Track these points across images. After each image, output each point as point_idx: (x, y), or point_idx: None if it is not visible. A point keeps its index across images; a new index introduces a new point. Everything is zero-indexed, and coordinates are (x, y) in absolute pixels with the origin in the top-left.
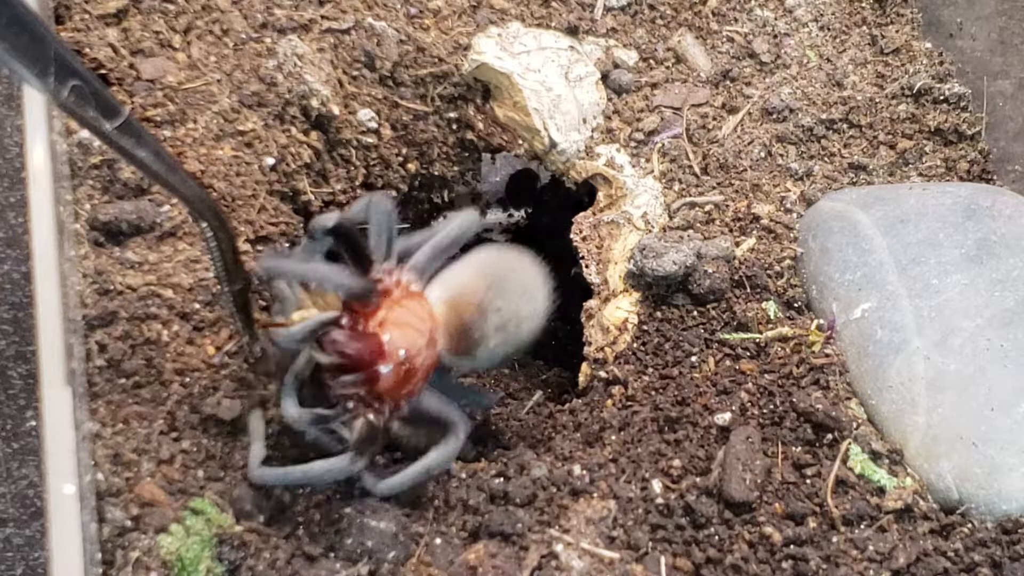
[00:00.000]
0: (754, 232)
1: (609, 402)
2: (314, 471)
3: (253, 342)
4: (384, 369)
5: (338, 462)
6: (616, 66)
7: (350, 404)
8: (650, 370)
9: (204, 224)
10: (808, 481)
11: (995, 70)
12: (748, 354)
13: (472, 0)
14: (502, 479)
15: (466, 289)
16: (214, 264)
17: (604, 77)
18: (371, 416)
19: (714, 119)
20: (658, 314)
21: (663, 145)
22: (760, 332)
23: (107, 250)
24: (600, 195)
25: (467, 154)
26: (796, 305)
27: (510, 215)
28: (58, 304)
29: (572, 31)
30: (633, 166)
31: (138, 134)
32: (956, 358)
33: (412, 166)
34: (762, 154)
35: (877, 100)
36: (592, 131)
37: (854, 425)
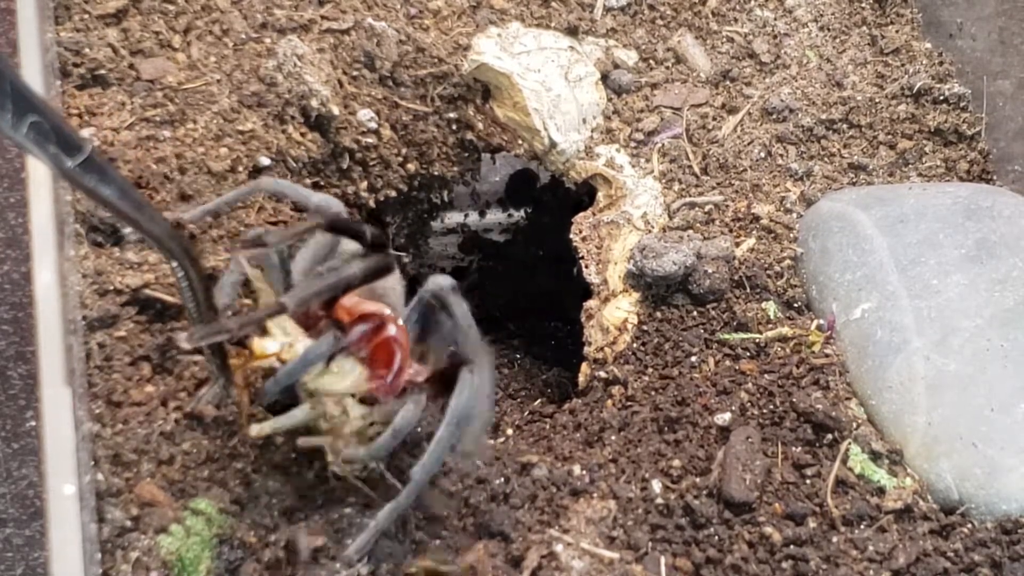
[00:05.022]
0: (754, 232)
1: (609, 402)
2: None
3: (229, 386)
4: (392, 328)
5: (409, 412)
6: (616, 66)
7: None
8: (650, 370)
9: (175, 264)
10: (808, 481)
11: (995, 70)
12: (748, 354)
13: (472, 0)
14: (502, 479)
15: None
16: (185, 304)
17: (604, 77)
18: (417, 392)
19: (714, 119)
20: (658, 314)
21: (663, 145)
22: (760, 332)
23: (107, 250)
24: (600, 195)
25: (467, 154)
26: (796, 305)
27: (510, 215)
28: (58, 304)
29: (572, 31)
30: (633, 166)
31: (102, 171)
32: (956, 358)
33: (412, 166)
34: (762, 154)
35: (877, 100)
36: (592, 131)
37: (854, 425)
